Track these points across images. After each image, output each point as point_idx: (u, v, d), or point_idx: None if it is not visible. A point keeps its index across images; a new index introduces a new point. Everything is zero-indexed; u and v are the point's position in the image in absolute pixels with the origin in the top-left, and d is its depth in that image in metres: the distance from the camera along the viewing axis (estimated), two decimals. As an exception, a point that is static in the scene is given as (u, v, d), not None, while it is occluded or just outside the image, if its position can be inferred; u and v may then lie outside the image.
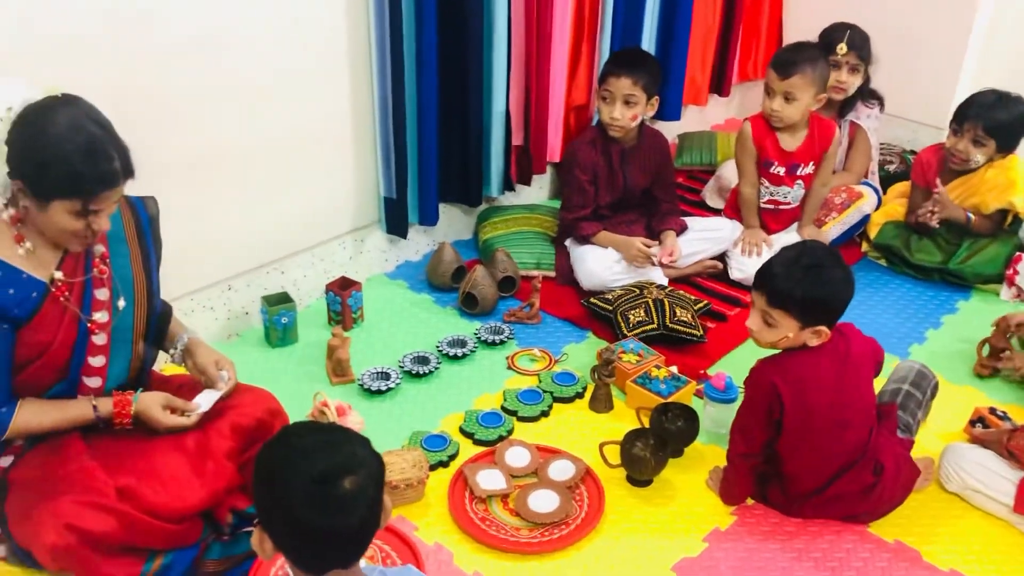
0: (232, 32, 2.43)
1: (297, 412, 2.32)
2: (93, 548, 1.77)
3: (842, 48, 3.16)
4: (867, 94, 3.34)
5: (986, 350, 2.64)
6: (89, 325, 1.88)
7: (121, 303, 1.92)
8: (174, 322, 2.12)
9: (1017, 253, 2.99)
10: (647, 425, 2.36)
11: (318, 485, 1.32)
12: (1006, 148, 3.00)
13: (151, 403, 1.94)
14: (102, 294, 1.89)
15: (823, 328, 1.99)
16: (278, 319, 2.68)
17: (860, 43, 3.21)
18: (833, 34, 3.21)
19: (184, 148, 2.43)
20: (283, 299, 2.71)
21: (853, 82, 3.22)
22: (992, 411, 2.36)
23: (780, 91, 2.93)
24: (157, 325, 2.05)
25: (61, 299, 1.84)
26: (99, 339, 1.90)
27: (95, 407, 1.90)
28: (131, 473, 1.87)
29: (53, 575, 1.85)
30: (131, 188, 1.82)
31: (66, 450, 1.88)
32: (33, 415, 1.86)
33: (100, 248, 1.90)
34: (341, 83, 2.74)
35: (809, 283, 1.96)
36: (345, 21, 2.66)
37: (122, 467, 1.88)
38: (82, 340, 1.88)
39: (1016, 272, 2.96)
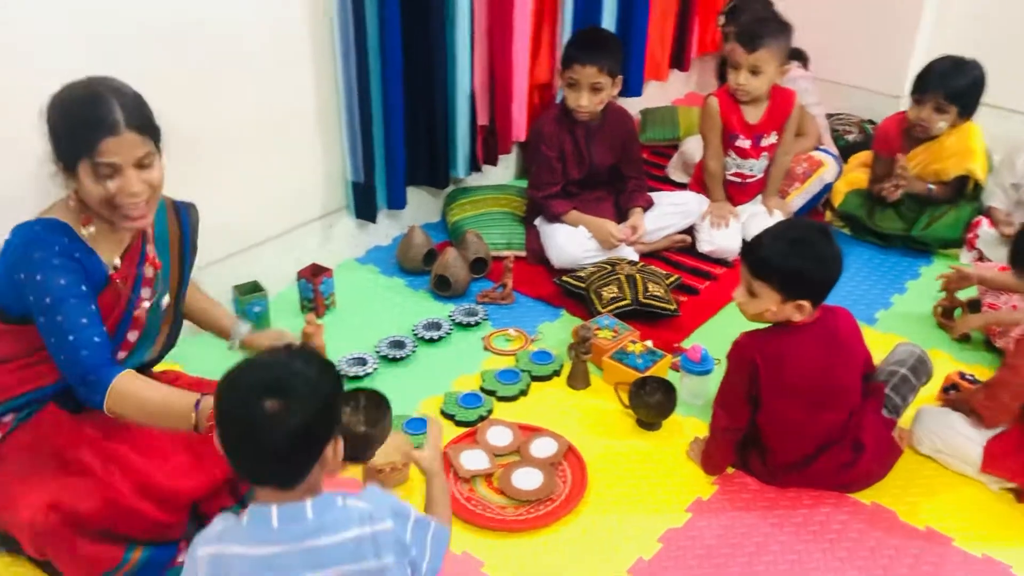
0: (190, 19, 2.38)
1: (275, 401, 2.31)
2: (75, 530, 1.75)
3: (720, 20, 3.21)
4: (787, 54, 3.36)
5: (940, 312, 2.74)
6: (135, 318, 1.87)
7: (166, 300, 1.94)
8: (212, 304, 2.14)
9: (977, 217, 3.06)
10: (626, 400, 2.38)
11: (242, 398, 1.37)
12: (966, 114, 3.05)
13: None
14: (146, 292, 1.90)
15: (806, 304, 2.00)
16: (250, 308, 2.65)
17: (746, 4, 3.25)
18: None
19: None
20: (254, 288, 2.68)
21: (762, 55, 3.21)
22: (962, 375, 2.43)
23: (747, 65, 2.95)
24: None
25: (118, 283, 1.83)
26: (132, 336, 1.89)
27: (197, 405, 1.73)
28: (129, 444, 1.84)
29: (33, 562, 1.83)
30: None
31: (54, 426, 1.85)
32: (138, 386, 1.75)
33: (151, 247, 1.91)
34: (304, 68, 2.70)
35: (792, 256, 1.97)
36: (307, 5, 2.62)
37: (120, 437, 1.85)
38: (121, 333, 1.87)
39: (976, 236, 3.03)
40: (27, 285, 1.73)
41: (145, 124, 1.74)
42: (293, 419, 1.36)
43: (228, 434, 1.41)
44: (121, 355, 1.89)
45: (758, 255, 2.01)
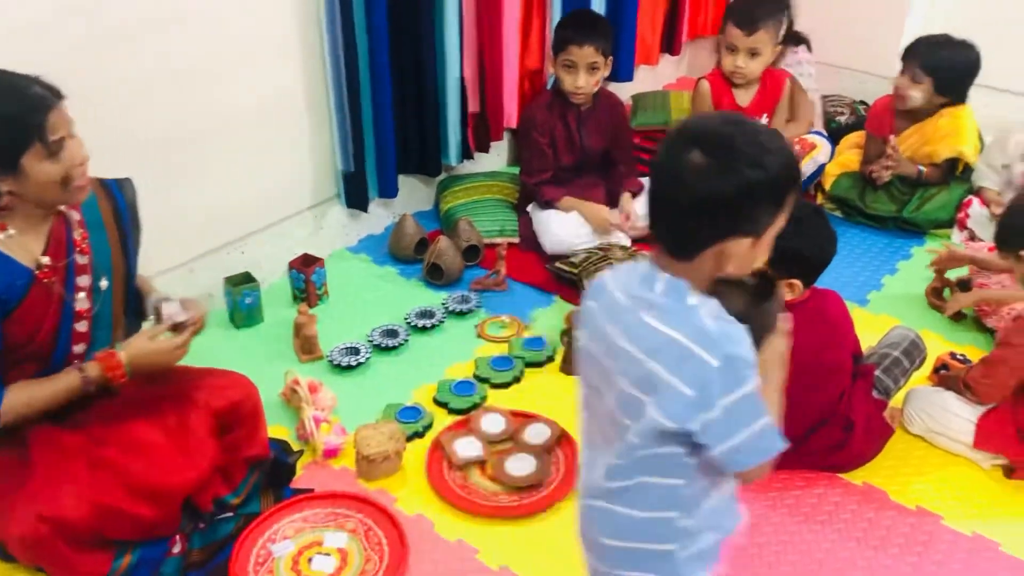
0: (179, 11, 2.37)
1: (268, 392, 2.31)
2: (66, 540, 1.75)
3: None
4: (790, 39, 3.36)
5: (947, 294, 2.74)
6: (77, 309, 1.84)
7: (103, 283, 1.89)
8: (142, 281, 2.07)
9: (967, 197, 3.07)
10: (618, 385, 2.39)
11: (675, 143, 1.26)
12: (944, 91, 3.03)
13: (139, 344, 1.88)
14: (84, 280, 1.86)
15: (797, 283, 2.01)
16: (242, 300, 2.65)
17: None
18: None
19: (137, 130, 2.38)
20: (246, 279, 2.69)
21: (761, 36, 3.21)
22: (953, 355, 2.44)
23: (745, 48, 2.94)
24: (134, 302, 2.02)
25: (47, 282, 1.80)
26: (81, 326, 1.87)
27: (82, 372, 1.83)
28: (115, 446, 1.85)
29: (27, 567, 1.84)
30: (95, 171, 1.80)
31: (37, 437, 1.85)
32: (23, 393, 1.79)
33: (79, 232, 1.86)
34: (293, 58, 2.70)
35: (785, 233, 1.98)
36: (293, -4, 2.63)
37: (105, 440, 1.85)
38: (66, 327, 1.84)
39: (967, 215, 3.03)
40: None
41: (57, 90, 1.73)
42: (704, 182, 1.21)
43: (652, 182, 1.30)
44: (79, 348, 1.87)
45: None
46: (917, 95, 3.03)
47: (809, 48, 3.47)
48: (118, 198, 1.95)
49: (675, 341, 1.22)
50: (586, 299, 1.40)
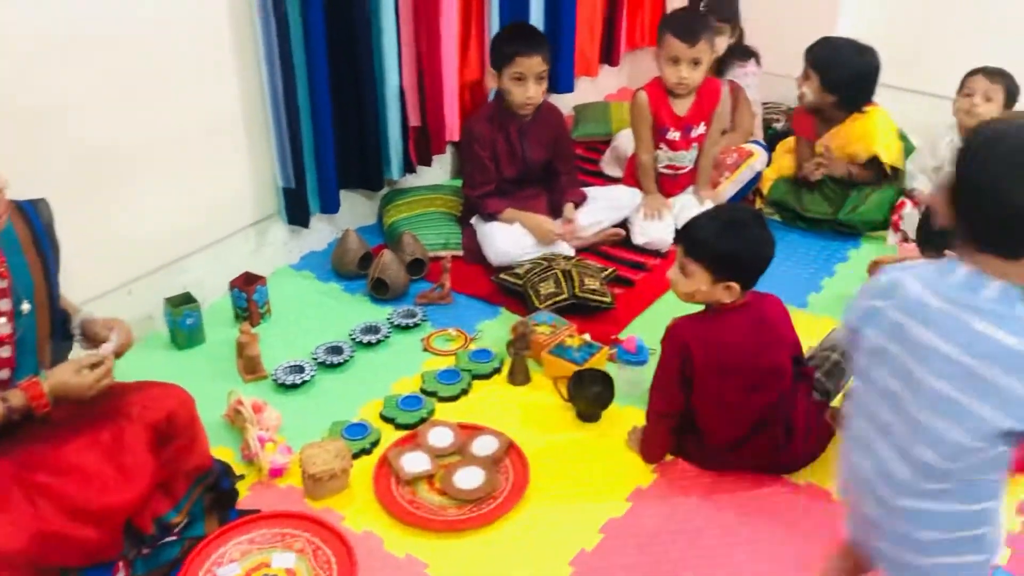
0: (113, 28, 2.34)
1: (212, 413, 2.28)
2: (6, 572, 1.69)
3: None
4: (740, 52, 3.44)
5: None
6: None
7: (25, 307, 1.84)
8: (66, 303, 2.02)
9: (900, 199, 3.14)
10: (565, 394, 2.40)
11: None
12: (833, 90, 3.10)
13: (63, 373, 1.83)
14: (4, 304, 1.81)
15: (735, 285, 2.05)
16: (183, 320, 2.61)
17: (718, 5, 3.32)
18: None
19: (71, 149, 2.34)
20: (186, 299, 2.64)
21: (719, 43, 3.30)
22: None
23: (688, 59, 2.99)
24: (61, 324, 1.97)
25: None
26: (4, 351, 1.82)
27: (4, 401, 1.78)
28: (49, 471, 1.79)
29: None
30: (19, 192, 1.75)
31: None
32: None
33: None
34: (229, 75, 2.67)
35: (724, 238, 2.03)
36: (228, 13, 2.59)
37: (37, 466, 1.80)
38: None
39: (900, 217, 3.11)
40: None
41: None
42: None
43: (965, 190, 1.34)
44: (4, 373, 1.83)
45: (692, 236, 2.08)
46: (807, 91, 3.14)
47: (758, 62, 3.54)
48: (34, 220, 1.90)
49: (1014, 348, 1.30)
50: (868, 298, 1.45)
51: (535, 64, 2.91)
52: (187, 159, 2.64)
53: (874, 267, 2.74)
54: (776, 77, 3.65)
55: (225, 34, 2.62)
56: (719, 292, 2.05)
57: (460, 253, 3.08)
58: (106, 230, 2.49)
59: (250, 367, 2.53)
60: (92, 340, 1.99)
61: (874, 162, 3.18)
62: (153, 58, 2.46)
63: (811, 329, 2.54)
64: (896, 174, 3.21)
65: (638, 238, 3.12)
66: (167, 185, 2.62)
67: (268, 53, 2.67)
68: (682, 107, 3.12)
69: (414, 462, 2.20)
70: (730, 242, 2.03)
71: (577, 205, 3.12)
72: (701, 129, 3.15)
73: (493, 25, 3.35)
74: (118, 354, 1.93)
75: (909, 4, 3.73)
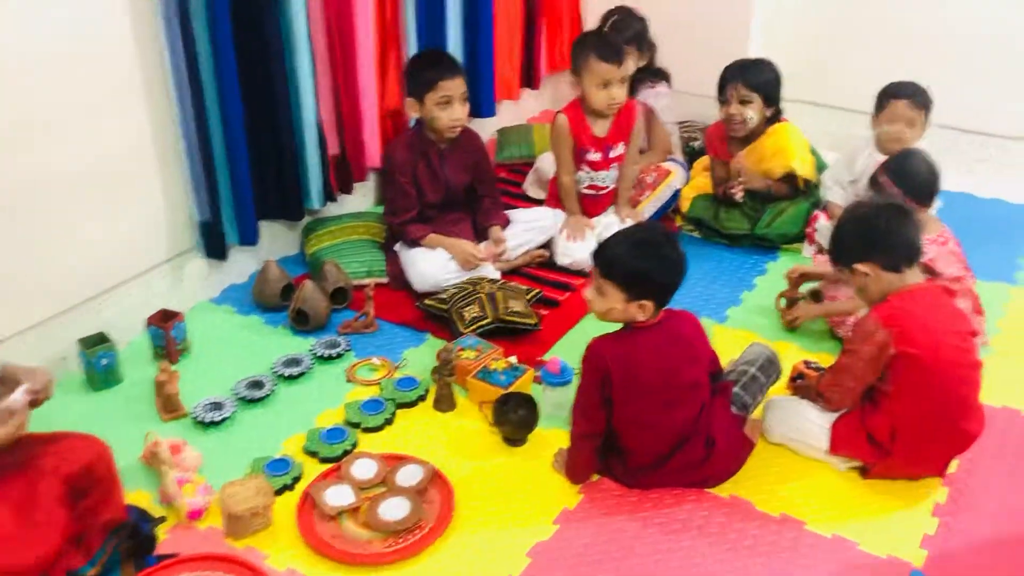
0: (17, 66, 2.29)
1: (128, 455, 2.23)
2: None
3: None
4: (651, 73, 3.51)
5: (783, 302, 2.84)
6: None
7: None
8: None
9: (815, 212, 3.22)
10: (490, 418, 2.39)
11: None
12: (772, 104, 3.19)
13: None
14: None
15: (648, 303, 2.07)
16: (98, 361, 2.54)
17: (624, 26, 3.39)
18: (606, 19, 3.40)
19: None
20: (101, 339, 2.58)
21: (628, 65, 3.35)
22: (807, 364, 2.54)
23: (617, 79, 3.03)
24: None
25: None
26: None
27: None
28: None
29: None
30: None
31: None
32: None
33: None
34: (139, 110, 2.63)
35: (634, 256, 2.05)
36: (135, 43, 2.55)
37: None
38: None
39: (815, 230, 3.18)
40: None
41: None
42: None
43: None
44: None
45: (605, 256, 2.09)
46: (753, 114, 3.18)
47: (669, 83, 3.61)
48: None
49: None
50: None
51: (458, 85, 2.93)
52: (98, 198, 2.58)
53: (792, 273, 2.80)
54: (691, 96, 3.73)
55: (133, 70, 2.57)
56: (633, 310, 2.07)
57: (385, 280, 3.06)
58: (14, 270, 2.41)
59: (169, 406, 2.47)
60: (10, 388, 1.92)
61: (788, 176, 3.25)
62: (59, 94, 2.41)
63: (731, 342, 2.59)
64: (809, 187, 3.28)
65: (562, 259, 3.14)
66: (78, 224, 2.55)
67: (178, 86, 2.63)
68: (601, 128, 3.16)
69: (338, 496, 2.17)
70: (642, 261, 2.05)
71: (502, 228, 3.13)
72: (620, 149, 3.19)
73: (411, 52, 3.36)
74: (35, 404, 1.87)
75: (817, 22, 3.86)
